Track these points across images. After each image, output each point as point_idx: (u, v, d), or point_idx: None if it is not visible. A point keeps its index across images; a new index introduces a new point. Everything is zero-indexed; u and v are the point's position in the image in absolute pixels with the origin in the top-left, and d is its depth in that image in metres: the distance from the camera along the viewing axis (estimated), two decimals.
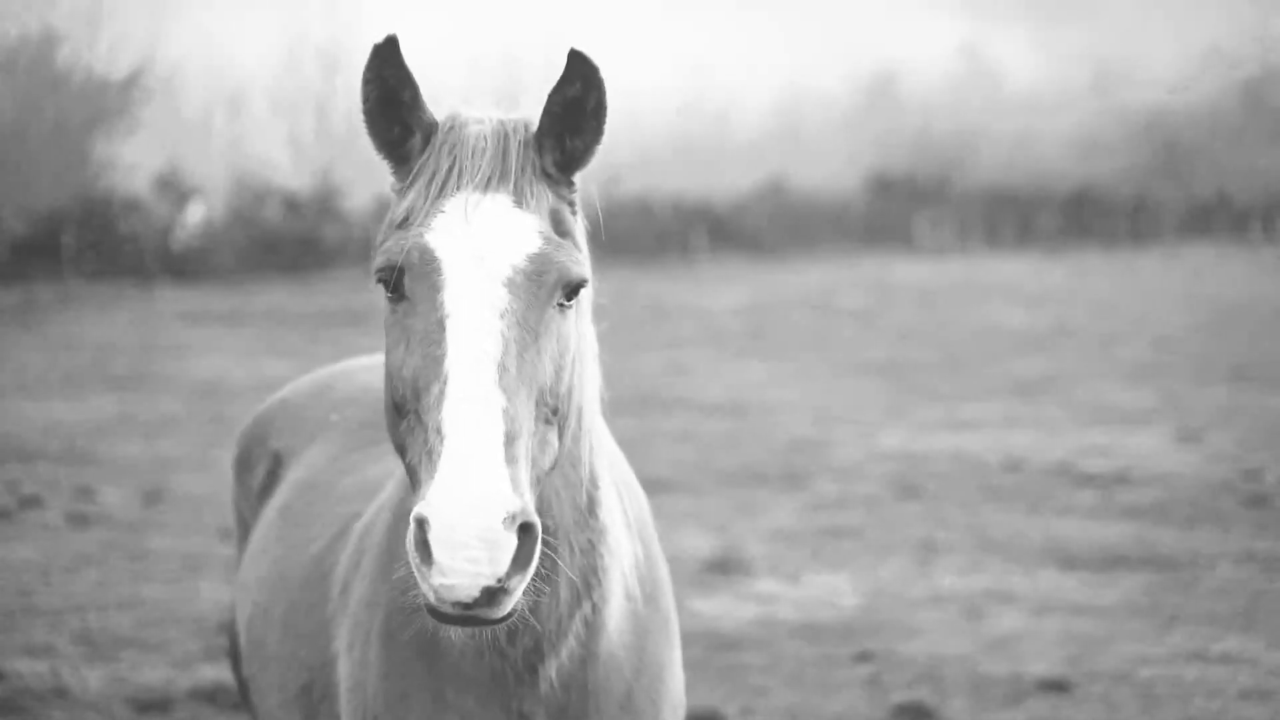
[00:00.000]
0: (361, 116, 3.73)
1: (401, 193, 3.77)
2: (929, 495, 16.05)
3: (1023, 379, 26.44)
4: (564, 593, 4.03)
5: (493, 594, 3.27)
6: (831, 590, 12.22)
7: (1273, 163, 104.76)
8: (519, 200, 3.70)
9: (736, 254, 67.70)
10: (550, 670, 4.06)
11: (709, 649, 10.56)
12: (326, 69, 77.51)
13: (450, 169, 3.69)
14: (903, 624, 11.30)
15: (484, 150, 3.71)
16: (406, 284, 3.58)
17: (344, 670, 4.42)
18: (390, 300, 3.63)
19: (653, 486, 5.71)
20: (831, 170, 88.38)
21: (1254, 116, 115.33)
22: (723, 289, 49.28)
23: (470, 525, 3.22)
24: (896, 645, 10.74)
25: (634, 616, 4.27)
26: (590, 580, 4.06)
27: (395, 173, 3.81)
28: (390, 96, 3.72)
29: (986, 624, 11.32)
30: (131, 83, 61.76)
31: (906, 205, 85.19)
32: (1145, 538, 13.91)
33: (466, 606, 3.27)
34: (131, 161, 59.67)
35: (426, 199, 3.67)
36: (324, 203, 62.64)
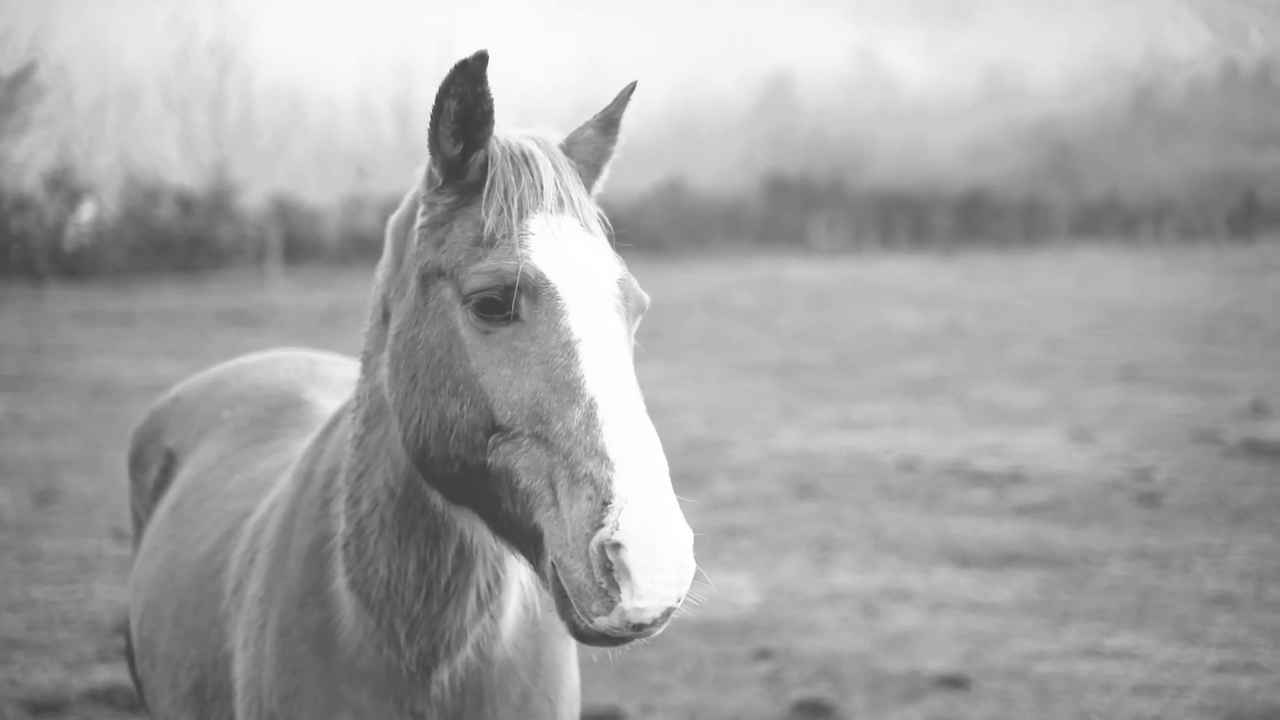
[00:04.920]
0: (430, 127, 3.69)
1: (458, 209, 3.74)
2: (825, 495, 16.13)
3: (916, 379, 26.64)
4: (471, 603, 4.03)
5: (669, 613, 3.31)
6: (730, 589, 12.25)
7: (1161, 166, 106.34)
8: (585, 223, 3.77)
9: (634, 254, 67.58)
10: (443, 675, 4.05)
11: None
12: (219, 66, 76.81)
13: (527, 189, 3.69)
14: (800, 622, 11.35)
15: (551, 171, 3.74)
16: (523, 306, 3.56)
17: (239, 668, 4.38)
18: (489, 320, 3.58)
19: None
20: (726, 172, 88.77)
21: (1142, 121, 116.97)
22: None
23: (670, 550, 3.26)
24: (795, 643, 10.79)
25: (533, 622, 4.27)
26: (493, 589, 4.06)
27: (440, 190, 3.77)
28: (468, 113, 3.68)
29: (883, 621, 11.39)
30: (20, 79, 60.90)
31: (801, 207, 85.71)
32: (1038, 536, 14.06)
33: (637, 627, 3.30)
34: (21, 159, 58.84)
35: (510, 219, 3.66)
36: (217, 201, 62.08)
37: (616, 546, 3.24)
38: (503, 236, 3.63)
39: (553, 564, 3.38)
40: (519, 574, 4.16)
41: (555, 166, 3.77)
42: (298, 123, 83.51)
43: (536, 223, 3.66)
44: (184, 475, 5.47)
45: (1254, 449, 18.62)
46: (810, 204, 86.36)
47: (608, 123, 4.05)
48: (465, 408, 3.56)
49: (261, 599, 4.33)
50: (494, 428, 3.51)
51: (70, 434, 20.57)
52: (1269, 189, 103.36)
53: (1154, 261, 72.58)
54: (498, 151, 3.74)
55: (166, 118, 75.33)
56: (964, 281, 56.97)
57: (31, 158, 59.25)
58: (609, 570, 3.26)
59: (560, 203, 3.73)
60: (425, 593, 3.96)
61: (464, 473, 3.59)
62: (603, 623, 3.29)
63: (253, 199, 66.23)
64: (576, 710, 4.49)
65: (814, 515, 15.03)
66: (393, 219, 3.99)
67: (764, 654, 10.51)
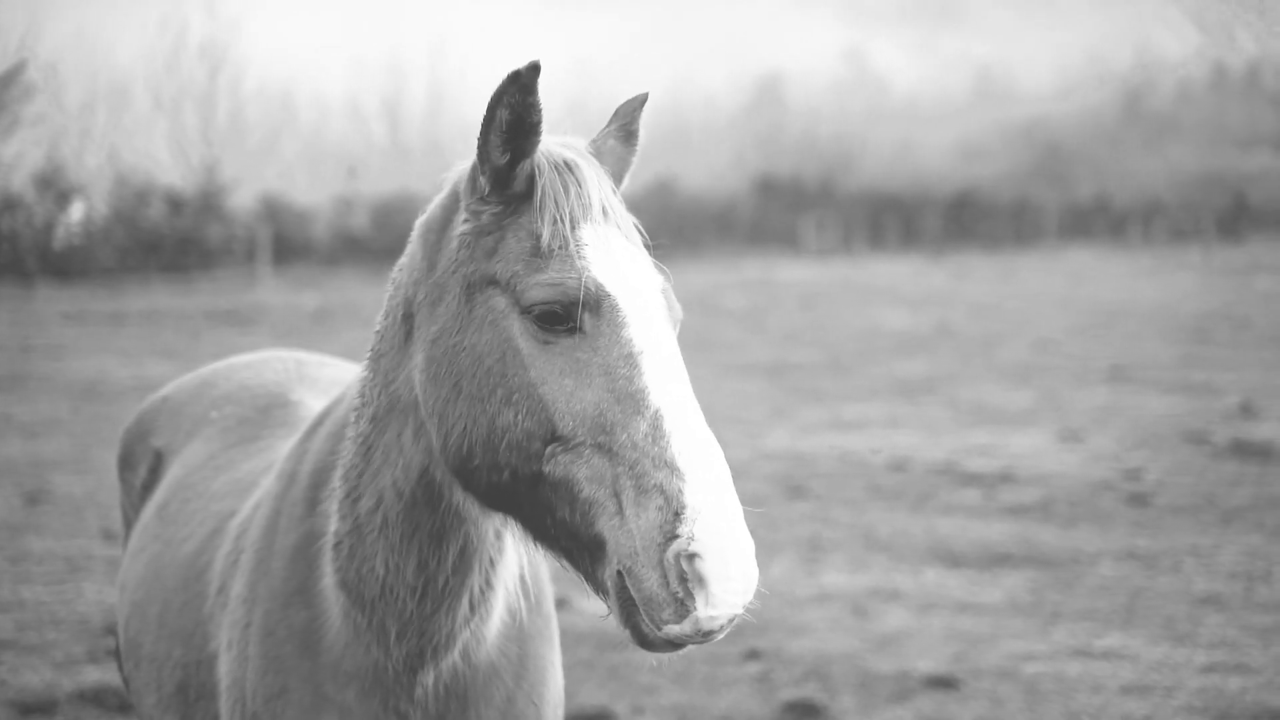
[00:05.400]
0: (480, 136, 3.69)
1: (506, 219, 3.75)
2: (815, 495, 16.14)
3: (906, 379, 26.67)
4: (464, 606, 4.05)
5: (734, 620, 3.37)
6: None
7: (1151, 167, 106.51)
8: (626, 234, 3.81)
9: None
10: (427, 678, 4.06)
11: (598, 648, 10.56)
12: (209, 66, 76.75)
13: (575, 200, 3.72)
14: (790, 622, 11.35)
15: (594, 181, 3.77)
16: (585, 318, 3.59)
17: (223, 668, 4.38)
18: (551, 331, 3.60)
19: None
20: (717, 172, 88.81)
21: (1132, 122, 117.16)
22: None
23: (739, 560, 3.32)
24: (784, 643, 10.79)
25: (518, 626, 4.28)
26: (484, 592, 4.08)
27: (486, 198, 3.76)
28: (518, 123, 3.68)
29: (873, 622, 11.40)
30: (10, 79, 60.82)
31: (792, 207, 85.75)
32: (1028, 536, 14.08)
33: (706, 634, 3.36)
34: (10, 159, 58.78)
35: (564, 230, 3.68)
36: (207, 201, 62.02)
37: (693, 557, 3.29)
38: (559, 248, 3.65)
39: (619, 572, 3.43)
40: (506, 579, 4.17)
41: (597, 177, 3.80)
42: (288, 122, 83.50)
43: (587, 234, 3.69)
44: (171, 475, 5.47)
45: (1243, 450, 18.65)
46: (800, 204, 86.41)
47: (627, 134, 4.08)
48: (521, 417, 3.58)
49: (245, 599, 4.33)
50: (554, 437, 3.53)
51: (60, 434, 20.54)
52: (1258, 190, 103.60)
53: (1143, 262, 72.71)
54: (543, 161, 3.75)
55: (156, 117, 75.27)
56: (954, 282, 57.04)
57: (21, 157, 59.18)
58: (684, 580, 3.31)
59: (604, 213, 3.76)
60: (421, 593, 3.97)
61: (513, 481, 3.61)
62: (673, 630, 3.35)
63: (242, 199, 66.16)
64: (561, 713, 4.51)
65: (804, 515, 15.04)
66: (422, 221, 3.95)
67: (753, 654, 10.52)
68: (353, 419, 4.07)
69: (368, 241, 66.88)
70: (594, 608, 11.53)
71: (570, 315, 3.58)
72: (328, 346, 20.29)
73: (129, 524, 5.88)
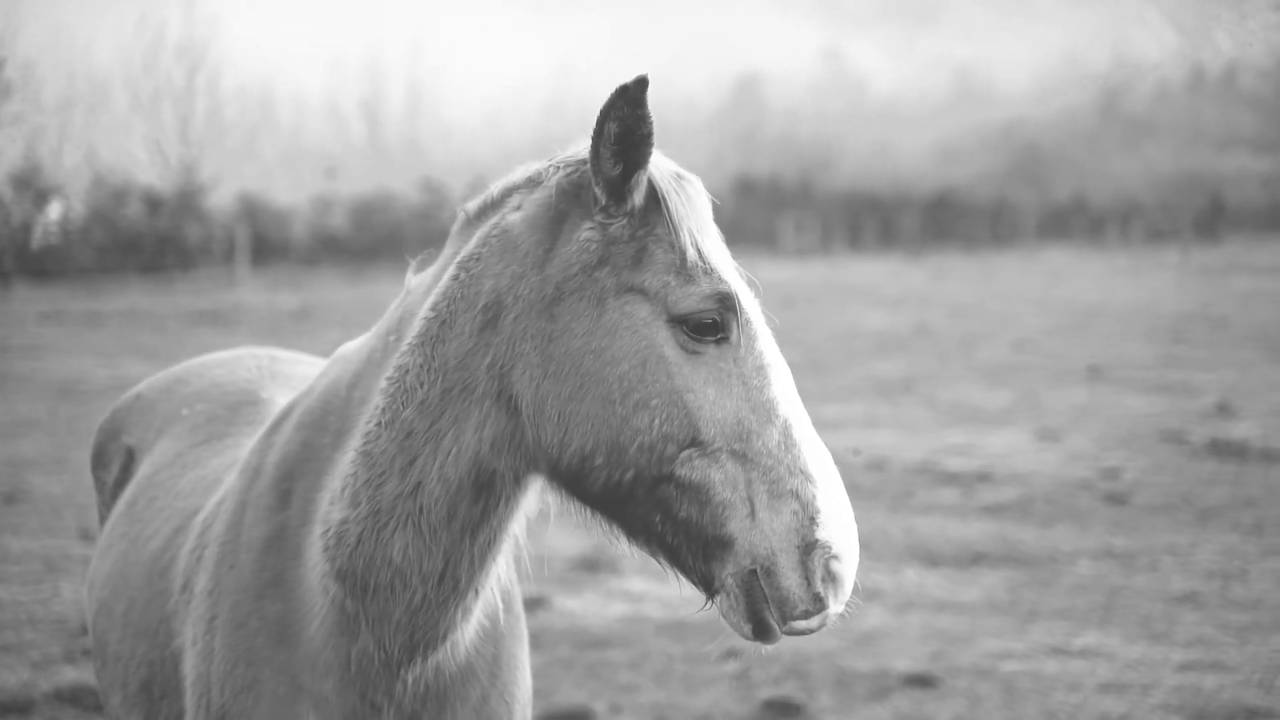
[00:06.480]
0: (591, 149, 3.79)
1: (640, 229, 3.85)
2: None
3: (884, 379, 26.72)
4: (468, 601, 4.09)
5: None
6: None
7: (1128, 168, 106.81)
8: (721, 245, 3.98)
9: None
10: (410, 674, 4.07)
11: (576, 647, 10.57)
12: (188, 65, 76.60)
13: (700, 213, 3.91)
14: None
15: (702, 194, 3.98)
16: (733, 330, 3.78)
17: (188, 664, 4.36)
18: (701, 341, 3.76)
19: None
20: (696, 172, 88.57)
21: (1109, 123, 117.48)
22: None
23: (856, 560, 3.65)
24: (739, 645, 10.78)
25: (493, 625, 4.29)
26: (480, 592, 4.11)
27: (608, 209, 3.85)
28: (627, 135, 3.77)
29: (851, 621, 11.33)
30: None
31: (770, 207, 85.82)
32: (1005, 535, 14.11)
33: (820, 627, 3.66)
34: None
35: (701, 243, 3.85)
36: (185, 201, 61.88)
37: (835, 558, 3.58)
38: (701, 260, 3.82)
39: (751, 571, 3.62)
40: (495, 578, 4.19)
41: (702, 188, 3.99)
42: (266, 122, 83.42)
43: (708, 245, 3.88)
44: (140, 473, 5.45)
45: (1220, 449, 18.71)
46: (779, 205, 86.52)
47: None
48: (659, 421, 3.71)
49: (210, 592, 4.31)
50: (693, 442, 3.69)
51: (37, 434, 20.50)
52: (1235, 191, 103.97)
53: (1121, 262, 72.91)
54: (658, 174, 3.87)
55: (134, 117, 75.16)
56: (932, 282, 57.14)
57: None
58: (824, 580, 3.59)
59: (712, 225, 3.97)
60: (437, 581, 3.98)
61: (634, 481, 3.74)
62: (801, 625, 3.62)
63: (221, 199, 66.06)
64: (529, 712, 4.55)
65: None
66: (521, 219, 3.96)
67: (732, 653, 10.51)
68: (382, 405, 4.03)
69: (346, 241, 66.87)
70: (573, 606, 11.56)
71: (721, 327, 3.77)
72: (307, 346, 20.26)
73: (103, 522, 5.87)
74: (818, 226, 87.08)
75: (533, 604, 11.21)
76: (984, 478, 17.06)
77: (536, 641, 9.88)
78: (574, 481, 3.83)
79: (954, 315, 41.19)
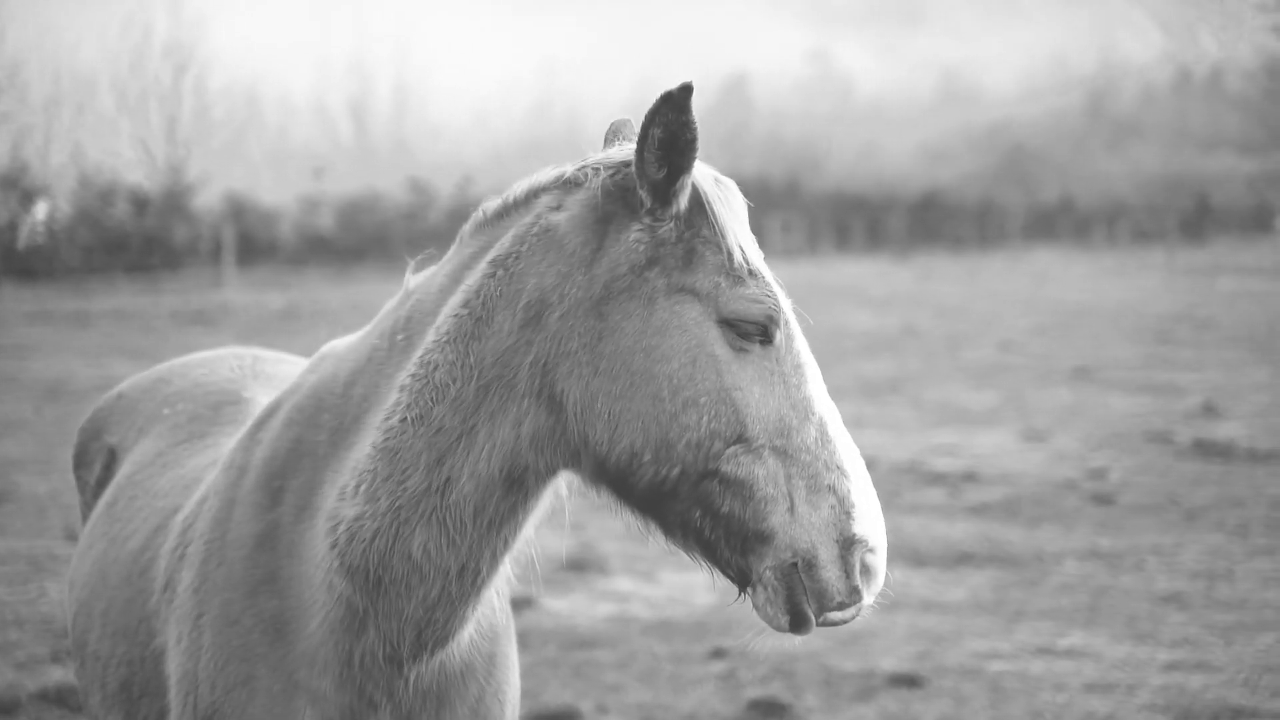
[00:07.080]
0: (636, 154, 3.85)
1: (687, 232, 3.92)
2: None
3: (871, 380, 26.74)
4: (484, 596, 4.11)
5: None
6: (685, 588, 12.28)
7: (1114, 169, 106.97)
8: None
9: None
10: (412, 672, 4.06)
11: (563, 647, 10.57)
12: (175, 65, 76.48)
13: (739, 217, 4.00)
14: (755, 621, 11.34)
15: (741, 197, 4.06)
16: (775, 331, 3.88)
17: (173, 663, 4.34)
18: (749, 340, 3.85)
19: None
20: None
21: (1096, 124, 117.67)
22: None
23: (886, 553, 3.83)
24: (749, 642, 10.78)
25: (490, 623, 4.30)
26: (485, 591, 4.12)
27: (655, 212, 3.92)
28: (671, 140, 3.84)
29: None
30: None
31: (757, 208, 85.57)
32: (992, 535, 14.13)
33: (856, 618, 3.85)
34: None
35: (746, 245, 3.96)
36: (172, 200, 61.79)
37: (870, 551, 3.77)
38: (747, 263, 3.91)
39: (791, 564, 3.75)
40: (502, 577, 4.22)
41: (738, 193, 4.05)
42: (253, 122, 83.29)
43: (753, 247, 3.98)
44: (121, 473, 5.43)
45: (1206, 449, 18.75)
46: (766, 205, 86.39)
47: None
48: (707, 418, 3.78)
49: (196, 590, 4.28)
50: (739, 439, 3.77)
51: (23, 434, 20.47)
52: (1221, 192, 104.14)
53: (1107, 263, 73.02)
54: (699, 178, 3.95)
55: (121, 117, 75.00)
56: (919, 283, 57.19)
57: None
58: (861, 572, 3.77)
59: (748, 227, 4.04)
60: (457, 576, 3.99)
61: (680, 477, 3.80)
62: (836, 616, 3.81)
63: (208, 198, 65.99)
64: (518, 711, 4.55)
65: None
66: (566, 219, 3.97)
67: (719, 653, 10.53)
68: (406, 401, 4.01)
69: (333, 241, 66.80)
70: (560, 606, 11.56)
71: (768, 328, 3.85)
72: (293, 346, 20.21)
73: (85, 522, 5.86)
74: (805, 227, 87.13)
75: (520, 604, 11.20)
76: (970, 478, 17.08)
77: (523, 641, 9.89)
78: (620, 478, 3.87)
79: (941, 316, 41.24)
